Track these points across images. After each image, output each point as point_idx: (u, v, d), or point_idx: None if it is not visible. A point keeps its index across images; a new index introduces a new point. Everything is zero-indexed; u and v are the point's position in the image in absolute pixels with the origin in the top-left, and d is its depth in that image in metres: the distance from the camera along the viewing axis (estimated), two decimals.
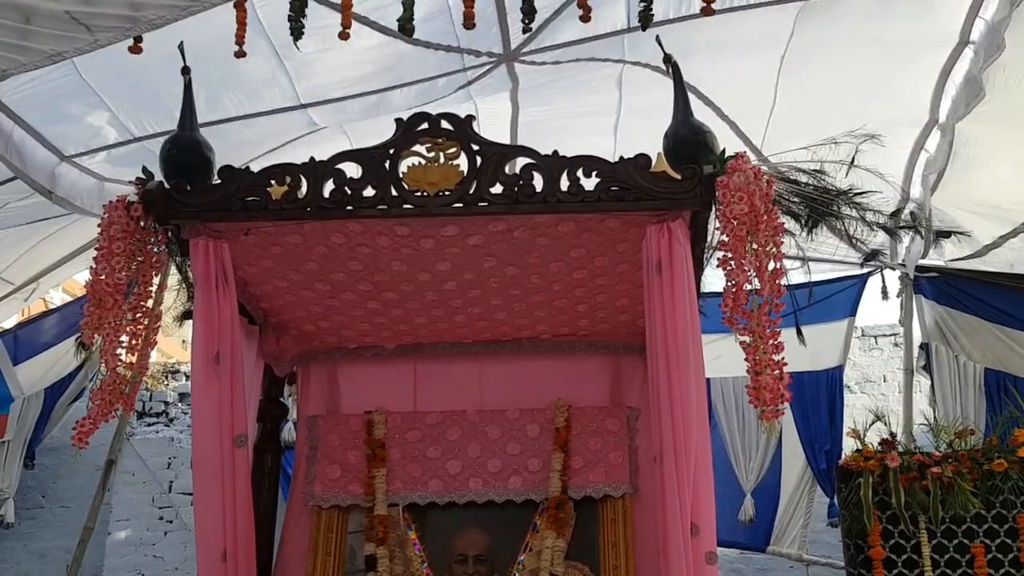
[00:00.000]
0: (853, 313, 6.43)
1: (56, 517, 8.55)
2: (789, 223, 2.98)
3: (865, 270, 6.18)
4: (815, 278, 5.89)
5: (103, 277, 2.89)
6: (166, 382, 9.45)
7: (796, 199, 3.05)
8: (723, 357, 4.97)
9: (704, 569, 2.72)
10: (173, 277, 4.52)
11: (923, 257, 5.78)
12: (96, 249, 2.94)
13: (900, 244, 5.80)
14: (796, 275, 5.42)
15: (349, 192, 2.93)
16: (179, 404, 9.19)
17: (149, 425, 9.01)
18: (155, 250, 3.04)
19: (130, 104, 4.64)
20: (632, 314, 3.63)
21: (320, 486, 3.80)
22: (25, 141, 4.48)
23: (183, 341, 10.77)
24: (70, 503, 8.49)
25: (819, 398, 6.39)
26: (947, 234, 5.05)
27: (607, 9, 4.53)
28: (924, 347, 6.28)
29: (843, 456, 5.33)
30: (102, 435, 3.63)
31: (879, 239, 5.38)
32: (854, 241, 3.51)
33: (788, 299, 2.76)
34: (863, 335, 8.94)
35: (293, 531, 3.85)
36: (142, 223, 2.96)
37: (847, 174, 3.20)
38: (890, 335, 8.80)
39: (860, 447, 4.81)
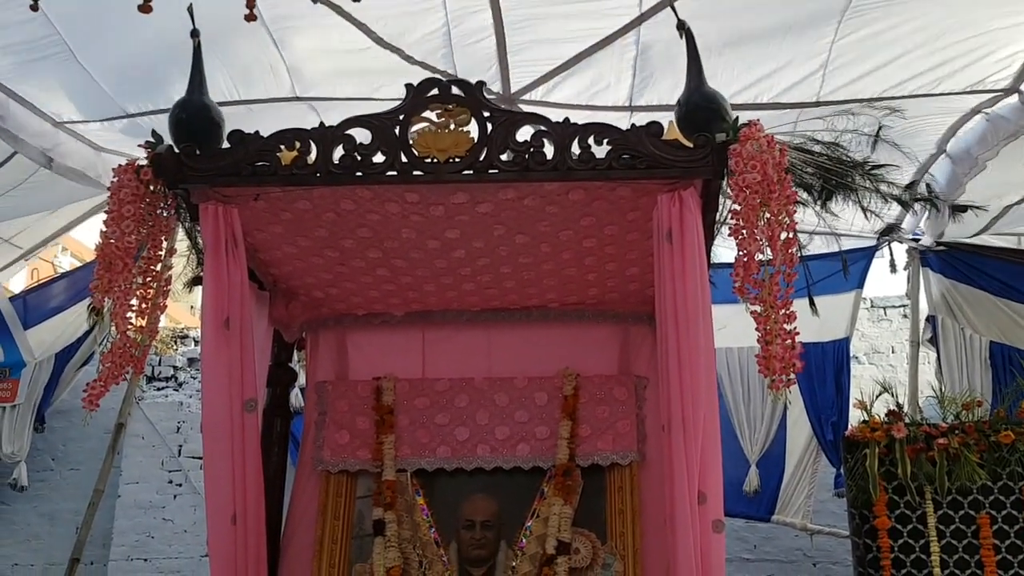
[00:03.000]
0: (861, 285, 6.40)
1: (66, 480, 8.60)
2: (802, 195, 2.96)
3: (880, 243, 6.14)
4: (824, 250, 5.87)
5: (113, 240, 2.90)
6: (175, 347, 9.48)
7: (810, 170, 3.03)
8: (728, 327, 4.96)
9: (711, 537, 2.74)
10: (183, 243, 4.53)
11: (940, 236, 5.71)
12: (106, 212, 2.94)
13: (915, 217, 5.76)
14: (815, 246, 5.33)
15: (359, 158, 2.91)
16: (188, 369, 9.22)
17: (159, 390, 9.05)
18: (164, 214, 3.04)
19: (120, 72, 4.59)
20: (642, 283, 3.62)
21: (329, 451, 3.81)
22: (17, 111, 4.44)
23: (191, 307, 10.81)
24: (80, 466, 8.54)
25: (826, 369, 6.38)
26: (963, 208, 5.00)
27: (610, 78, 4.54)
28: (931, 319, 6.27)
29: (850, 427, 5.34)
30: (112, 399, 3.64)
31: (895, 212, 5.33)
32: (867, 213, 3.48)
33: (801, 269, 2.75)
34: (872, 306, 8.88)
35: (302, 495, 3.87)
36: (152, 187, 2.96)
37: (873, 149, 3.15)
38: (899, 307, 8.73)
39: (867, 418, 4.82)
